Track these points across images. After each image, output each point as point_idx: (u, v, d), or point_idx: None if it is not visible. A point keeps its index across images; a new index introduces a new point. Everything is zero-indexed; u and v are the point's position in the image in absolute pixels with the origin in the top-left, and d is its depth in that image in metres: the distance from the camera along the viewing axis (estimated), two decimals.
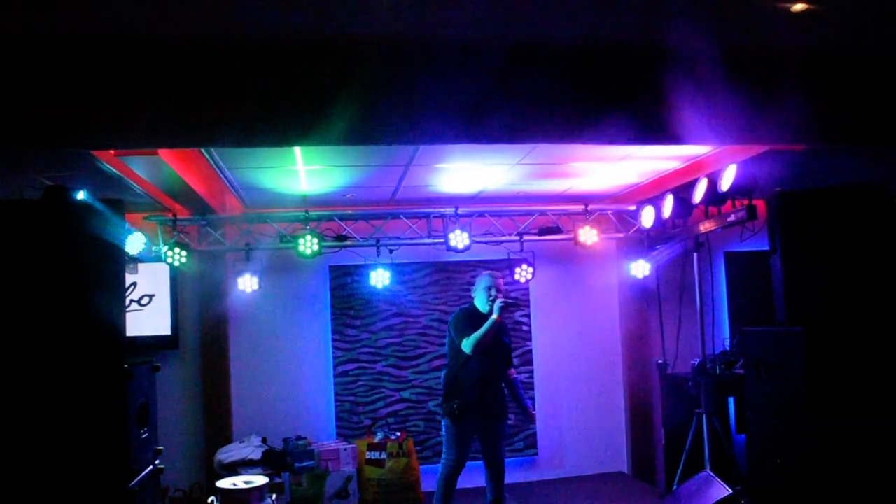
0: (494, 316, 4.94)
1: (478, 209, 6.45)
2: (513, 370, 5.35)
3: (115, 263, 3.36)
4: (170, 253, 5.73)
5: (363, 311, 6.83)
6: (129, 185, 4.74)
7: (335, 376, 6.75)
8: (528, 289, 7.12)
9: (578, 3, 3.22)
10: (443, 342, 5.53)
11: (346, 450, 6.16)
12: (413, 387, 6.88)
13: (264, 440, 6.20)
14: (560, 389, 7.18)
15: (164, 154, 4.23)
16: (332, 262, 6.65)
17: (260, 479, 4.57)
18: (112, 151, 4.07)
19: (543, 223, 6.57)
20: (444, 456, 5.09)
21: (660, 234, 6.50)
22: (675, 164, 5.65)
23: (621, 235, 6.79)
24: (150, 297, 6.23)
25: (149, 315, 6.19)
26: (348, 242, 6.25)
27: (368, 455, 6.20)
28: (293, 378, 6.68)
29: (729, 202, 5.18)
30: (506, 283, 6.98)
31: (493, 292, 5.09)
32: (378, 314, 6.86)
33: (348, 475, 6.09)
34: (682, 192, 5.72)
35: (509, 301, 5.16)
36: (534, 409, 5.53)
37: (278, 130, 3.66)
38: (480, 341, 4.91)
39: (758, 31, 3.55)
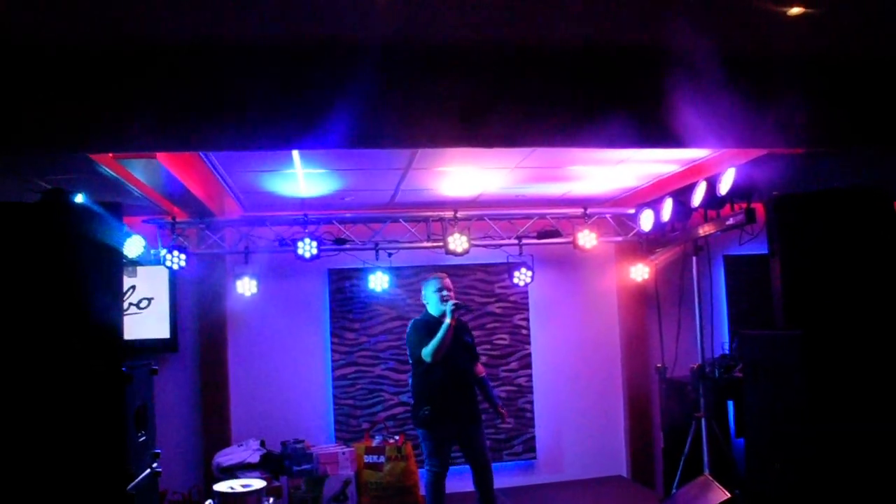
0: (447, 321, 4.95)
1: (477, 213, 6.44)
2: (481, 367, 5.36)
3: (113, 266, 3.35)
4: (168, 256, 5.72)
5: (362, 315, 6.82)
6: (128, 189, 4.73)
7: (334, 380, 6.74)
8: (527, 292, 7.13)
9: (577, 6, 3.22)
10: None
11: (344, 453, 6.14)
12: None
13: (262, 443, 6.18)
14: (559, 393, 7.17)
15: (163, 157, 4.23)
16: (330, 265, 6.64)
17: (258, 483, 4.55)
18: (110, 155, 4.06)
19: (542, 227, 6.57)
20: (426, 464, 5.14)
21: (659, 238, 6.49)
22: (673, 168, 5.65)
23: (620, 239, 6.78)
24: (149, 300, 6.23)
25: (147, 318, 6.19)
26: (347, 246, 6.24)
27: (367, 459, 6.18)
28: (292, 381, 6.66)
29: (728, 205, 5.18)
30: (504, 287, 7.05)
31: (445, 293, 5.09)
32: (377, 318, 6.85)
33: (346, 479, 6.07)
34: (681, 196, 5.72)
35: (459, 302, 5.13)
36: (503, 408, 5.41)
37: (277, 134, 3.66)
38: (439, 348, 4.93)
39: (756, 34, 3.56)
